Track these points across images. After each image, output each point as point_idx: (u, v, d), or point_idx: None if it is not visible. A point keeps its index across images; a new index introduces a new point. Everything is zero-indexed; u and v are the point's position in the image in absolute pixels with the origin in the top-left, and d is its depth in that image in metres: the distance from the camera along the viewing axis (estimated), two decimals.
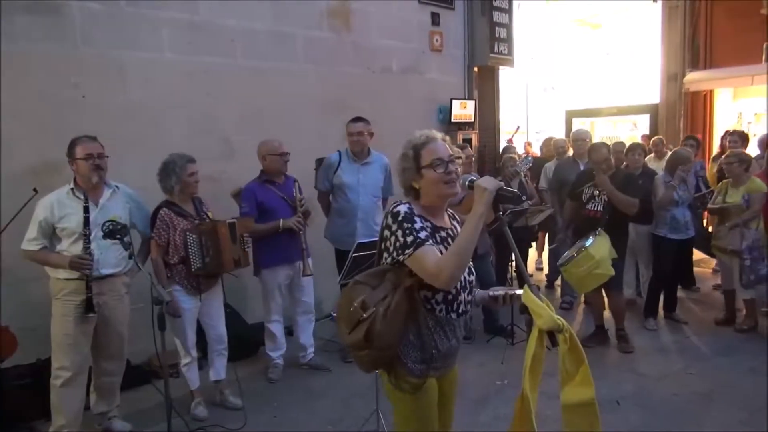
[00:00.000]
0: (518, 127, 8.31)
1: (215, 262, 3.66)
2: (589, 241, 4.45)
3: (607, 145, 5.08)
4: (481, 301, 2.28)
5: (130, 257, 3.19)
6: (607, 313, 5.15)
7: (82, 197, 3.29)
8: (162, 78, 4.70)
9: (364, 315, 1.95)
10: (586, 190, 4.87)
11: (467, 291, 2.15)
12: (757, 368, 4.42)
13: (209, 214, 3.80)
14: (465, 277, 2.12)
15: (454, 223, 2.24)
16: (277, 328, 4.44)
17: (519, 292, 2.19)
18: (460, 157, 2.16)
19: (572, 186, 5.15)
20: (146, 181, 4.11)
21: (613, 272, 4.57)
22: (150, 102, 4.63)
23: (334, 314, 5.96)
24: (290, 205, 4.19)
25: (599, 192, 4.80)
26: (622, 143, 6.13)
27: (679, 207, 5.26)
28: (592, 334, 5.07)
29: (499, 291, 2.26)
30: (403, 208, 2.03)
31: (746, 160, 5.26)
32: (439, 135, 2.13)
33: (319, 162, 5.01)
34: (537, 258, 7.99)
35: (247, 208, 4.17)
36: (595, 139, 10.26)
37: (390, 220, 2.03)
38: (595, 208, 4.80)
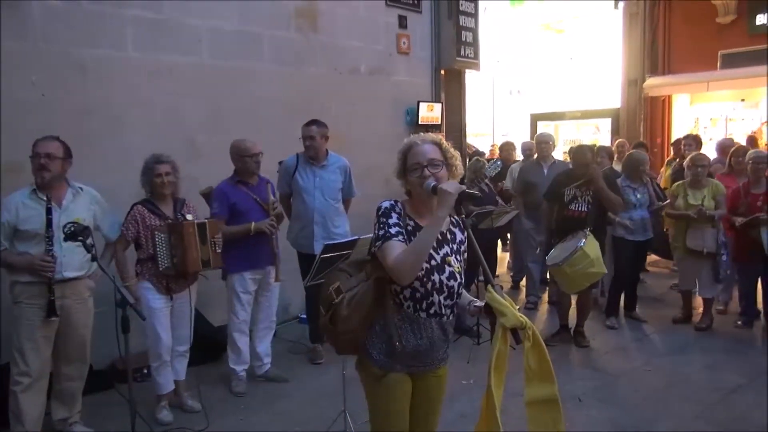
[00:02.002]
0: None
1: (182, 262, 3.65)
2: (583, 241, 4.55)
3: (590, 147, 5.21)
4: (461, 311, 2.31)
5: (93, 260, 3.15)
6: (571, 311, 5.29)
7: (45, 198, 3.24)
8: (124, 77, 4.63)
9: (336, 299, 2.11)
10: (568, 191, 4.95)
11: (444, 295, 2.15)
12: (712, 364, 4.62)
13: (188, 216, 3.76)
14: (442, 281, 2.14)
15: (453, 228, 2.25)
16: (242, 339, 4.27)
17: None
18: (441, 161, 2.21)
19: (551, 187, 5.23)
20: (107, 182, 4.05)
21: (605, 271, 4.69)
22: (112, 101, 4.55)
23: (303, 316, 5.93)
24: (263, 208, 4.13)
25: (582, 192, 4.90)
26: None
27: (637, 209, 5.44)
28: (556, 332, 5.20)
29: (480, 303, 2.28)
30: (385, 204, 2.14)
31: (709, 165, 5.50)
32: (428, 138, 2.22)
33: (282, 164, 5.00)
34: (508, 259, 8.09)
35: (218, 209, 4.10)
36: (559, 143, 10.47)
37: (376, 215, 2.15)
38: (579, 209, 4.90)
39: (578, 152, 5.06)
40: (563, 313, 5.25)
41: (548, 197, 5.26)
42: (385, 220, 2.10)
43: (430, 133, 2.25)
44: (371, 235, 2.17)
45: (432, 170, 2.13)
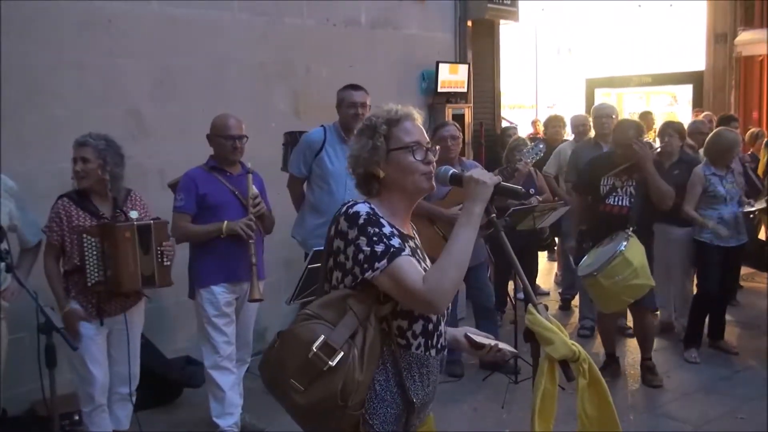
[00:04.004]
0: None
1: (116, 277, 3.61)
2: (624, 245, 4.55)
3: (635, 122, 5.19)
4: (452, 342, 2.29)
5: (8, 270, 3.14)
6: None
7: None
8: (44, 28, 4.59)
9: (331, 363, 1.87)
10: (605, 180, 4.97)
11: (445, 319, 2.17)
12: None
13: (131, 213, 3.72)
14: None
15: (414, 232, 2.26)
16: (224, 379, 4.13)
17: (510, 349, 2.27)
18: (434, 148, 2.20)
19: (582, 175, 5.25)
20: (25, 168, 4.05)
21: (653, 283, 4.70)
22: (31, 60, 4.54)
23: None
24: (243, 205, 4.09)
25: (622, 182, 4.92)
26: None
27: (727, 204, 5.41)
28: (603, 365, 5.17)
29: (482, 338, 2.26)
30: (363, 208, 2.02)
31: None
32: (413, 112, 2.16)
33: (291, 137, 4.95)
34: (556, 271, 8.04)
35: (182, 201, 4.04)
36: (623, 117, 10.43)
37: (344, 225, 2.01)
38: (619, 203, 4.92)
39: (618, 129, 5.06)
40: (608, 338, 5.27)
41: (579, 189, 5.26)
42: (377, 230, 1.98)
43: (409, 106, 2.17)
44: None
45: (433, 155, 2.12)
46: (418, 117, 2.16)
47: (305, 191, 4.79)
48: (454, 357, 5.05)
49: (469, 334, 2.27)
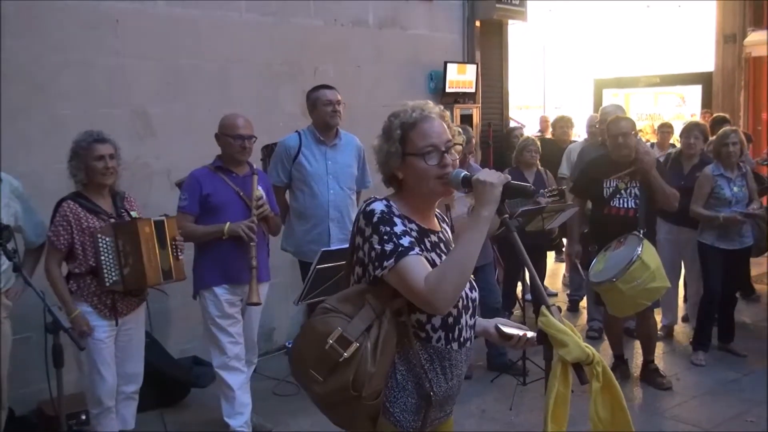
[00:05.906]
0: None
1: (136, 273, 3.60)
2: (639, 249, 4.53)
3: (630, 119, 5.17)
4: (482, 333, 2.32)
5: (15, 270, 3.14)
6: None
7: None
8: (51, 28, 4.61)
9: (346, 354, 1.92)
10: (608, 182, 4.94)
11: (470, 312, 2.17)
12: None
13: (132, 213, 3.73)
14: (467, 294, 2.15)
15: (444, 225, 2.28)
16: (233, 378, 4.14)
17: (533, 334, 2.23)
18: (459, 144, 2.19)
19: (581, 178, 5.25)
20: (30, 167, 4.04)
21: (669, 284, 4.70)
22: (34, 60, 4.54)
23: (291, 345, 5.93)
24: (247, 206, 4.07)
25: (626, 184, 4.88)
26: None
27: (732, 207, 5.34)
28: (611, 367, 5.11)
29: (512, 329, 2.26)
30: (378, 206, 2.06)
31: None
32: (436, 110, 2.15)
33: (269, 149, 4.96)
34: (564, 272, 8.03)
35: (185, 201, 4.04)
36: (632, 117, 10.39)
37: (363, 223, 2.06)
38: (625, 205, 4.88)
39: (613, 124, 4.97)
40: (615, 340, 5.27)
41: (577, 191, 5.25)
42: (388, 228, 2.01)
43: (429, 102, 2.16)
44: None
45: (452, 156, 2.12)
46: (437, 115, 2.13)
47: (289, 200, 4.78)
48: None
49: (499, 325, 2.28)
